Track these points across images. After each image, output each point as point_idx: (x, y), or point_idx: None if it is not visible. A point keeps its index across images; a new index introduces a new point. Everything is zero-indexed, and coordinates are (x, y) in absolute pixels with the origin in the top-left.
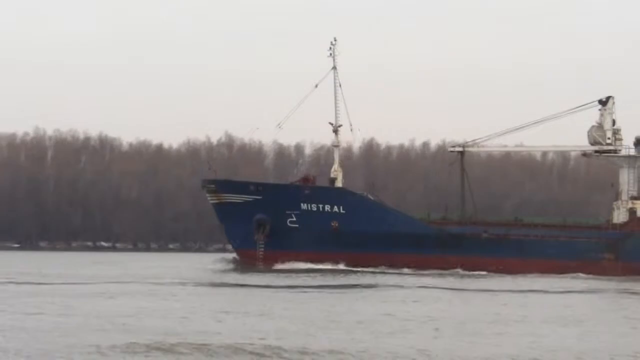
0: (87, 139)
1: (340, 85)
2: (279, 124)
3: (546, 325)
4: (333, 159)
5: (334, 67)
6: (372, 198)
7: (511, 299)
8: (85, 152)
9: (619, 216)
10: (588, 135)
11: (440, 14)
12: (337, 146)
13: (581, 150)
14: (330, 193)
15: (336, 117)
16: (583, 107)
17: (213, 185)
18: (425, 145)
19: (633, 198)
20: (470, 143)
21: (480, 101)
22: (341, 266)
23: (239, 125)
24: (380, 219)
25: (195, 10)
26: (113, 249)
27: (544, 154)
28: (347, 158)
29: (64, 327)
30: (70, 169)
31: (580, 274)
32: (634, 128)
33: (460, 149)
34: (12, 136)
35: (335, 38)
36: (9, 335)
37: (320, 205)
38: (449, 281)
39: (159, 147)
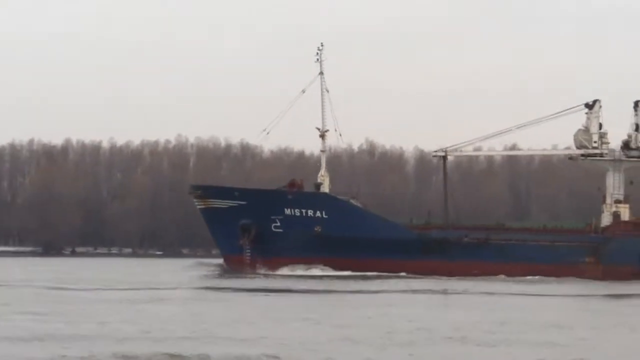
0: (229, 146)
1: (327, 91)
2: (265, 130)
3: None
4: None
5: (321, 72)
6: (355, 203)
7: None
8: (226, 159)
9: (604, 220)
10: (574, 139)
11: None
12: (324, 151)
13: (567, 154)
14: (313, 198)
15: (323, 122)
16: (569, 110)
17: (199, 191)
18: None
19: (617, 202)
20: (451, 149)
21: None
22: (321, 271)
23: (378, 131)
24: (363, 224)
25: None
26: None
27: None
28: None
29: None
30: (211, 176)
31: (559, 278)
32: (621, 131)
33: (443, 153)
34: (155, 144)
35: (322, 43)
36: None
37: (304, 211)
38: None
39: (301, 154)
